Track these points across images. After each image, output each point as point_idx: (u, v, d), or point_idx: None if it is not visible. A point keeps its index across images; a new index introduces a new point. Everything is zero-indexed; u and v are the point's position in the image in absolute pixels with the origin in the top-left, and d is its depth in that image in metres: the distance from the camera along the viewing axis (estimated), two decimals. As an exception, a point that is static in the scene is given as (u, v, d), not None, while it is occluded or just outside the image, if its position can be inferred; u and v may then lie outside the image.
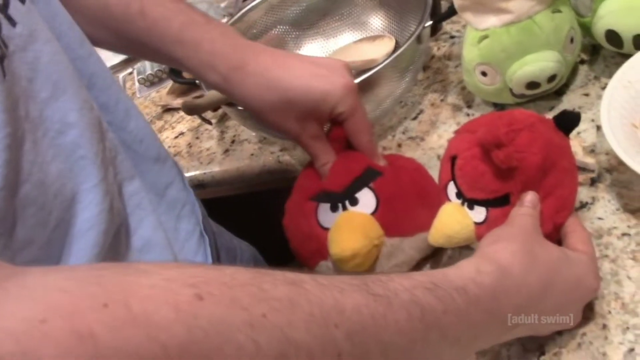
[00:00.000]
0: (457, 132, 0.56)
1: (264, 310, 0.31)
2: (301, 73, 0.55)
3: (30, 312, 0.26)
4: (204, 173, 0.80)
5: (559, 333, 0.47)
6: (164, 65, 0.97)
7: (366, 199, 0.55)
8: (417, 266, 0.57)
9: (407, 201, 0.55)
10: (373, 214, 0.54)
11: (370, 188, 0.55)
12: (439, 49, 0.80)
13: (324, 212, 0.55)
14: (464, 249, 0.56)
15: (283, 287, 0.33)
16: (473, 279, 0.41)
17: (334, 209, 0.55)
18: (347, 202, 0.55)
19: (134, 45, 0.58)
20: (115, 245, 0.45)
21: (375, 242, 0.53)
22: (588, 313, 0.47)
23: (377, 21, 0.83)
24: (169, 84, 0.95)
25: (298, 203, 0.58)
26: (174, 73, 0.78)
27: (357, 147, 0.57)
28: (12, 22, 0.40)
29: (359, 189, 0.55)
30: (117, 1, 0.56)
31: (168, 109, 0.92)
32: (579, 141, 0.61)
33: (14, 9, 0.40)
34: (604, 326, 0.47)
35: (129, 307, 0.27)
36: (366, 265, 0.53)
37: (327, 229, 0.55)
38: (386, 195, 0.55)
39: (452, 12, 0.68)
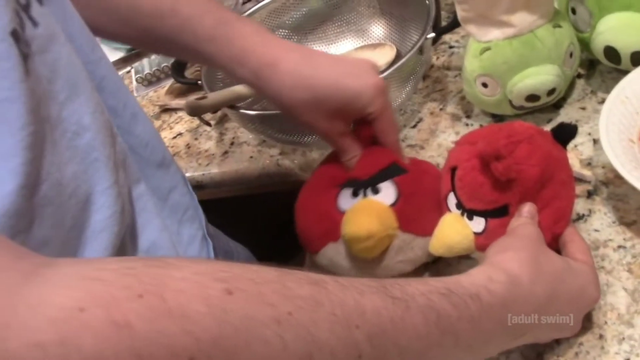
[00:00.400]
0: (457, 143, 0.57)
1: (289, 308, 0.32)
2: (332, 71, 0.56)
3: (69, 300, 0.26)
4: (202, 174, 0.80)
5: (557, 342, 0.49)
6: (163, 65, 0.97)
7: (388, 191, 0.56)
8: (416, 272, 0.58)
9: (426, 202, 0.56)
10: (392, 206, 0.55)
11: (394, 181, 0.56)
12: (438, 58, 0.81)
13: (344, 196, 0.57)
14: (463, 258, 0.57)
15: (307, 286, 0.34)
16: (486, 286, 0.42)
17: (355, 194, 0.57)
18: (369, 190, 0.56)
19: (163, 43, 0.58)
20: (123, 246, 0.46)
21: (389, 232, 0.54)
22: (585, 323, 0.49)
23: (378, 29, 0.84)
24: (167, 83, 0.95)
25: (317, 186, 0.59)
26: (177, 73, 0.79)
27: (384, 145, 0.59)
28: (34, 23, 0.40)
29: (383, 179, 0.57)
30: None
31: (166, 109, 0.92)
32: (576, 154, 0.62)
33: (35, 10, 0.41)
34: (601, 336, 0.48)
35: (164, 299, 0.28)
36: (376, 251, 0.54)
37: (344, 213, 0.56)
38: (407, 191, 0.56)
39: (455, 24, 0.70)
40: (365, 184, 0.56)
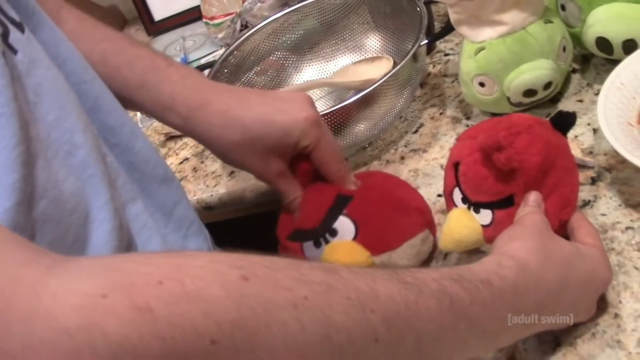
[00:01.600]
0: (458, 139, 0.58)
1: (305, 292, 0.32)
2: (262, 109, 0.56)
3: (92, 288, 0.27)
4: (211, 195, 0.81)
5: (574, 324, 0.49)
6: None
7: (345, 227, 0.55)
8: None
9: (384, 216, 0.56)
10: (354, 239, 0.55)
11: (345, 214, 0.56)
12: (434, 66, 0.83)
13: (309, 250, 0.56)
14: (473, 252, 0.57)
15: (320, 273, 0.34)
16: (496, 272, 0.42)
17: (317, 245, 0.56)
18: (327, 235, 0.55)
19: None
20: None
21: (364, 264, 0.53)
22: (600, 303, 0.49)
23: (374, 43, 0.85)
24: (171, 113, 0.96)
25: (283, 246, 0.59)
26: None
27: (327, 177, 0.58)
28: (13, 50, 0.41)
29: (335, 218, 0.56)
30: (80, 48, 0.56)
31: (171, 137, 0.94)
32: (577, 144, 0.63)
33: (14, 37, 0.42)
34: (616, 315, 0.48)
35: (183, 284, 0.29)
36: None
37: None
38: (362, 217, 0.55)
39: (448, 30, 0.71)
40: (320, 232, 0.55)
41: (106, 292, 0.27)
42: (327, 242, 0.55)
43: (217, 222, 0.82)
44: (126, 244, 0.46)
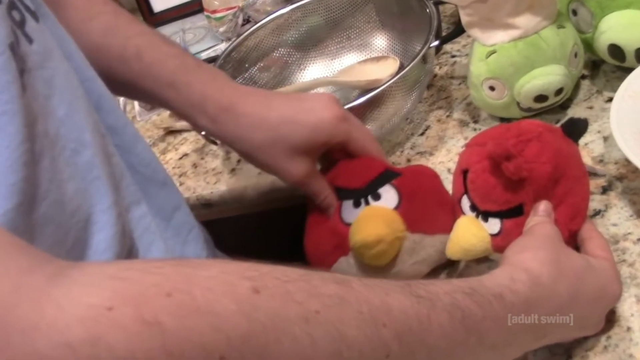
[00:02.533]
0: (466, 145, 0.57)
1: (316, 306, 0.31)
2: (288, 109, 0.56)
3: (97, 299, 0.26)
4: (211, 192, 0.80)
5: (585, 337, 0.48)
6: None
7: (388, 195, 0.55)
8: (434, 273, 0.57)
9: (428, 201, 0.56)
10: (396, 209, 0.55)
11: (392, 185, 0.56)
12: (440, 67, 0.82)
13: (347, 209, 0.56)
14: (481, 260, 0.56)
15: (332, 285, 0.33)
16: (509, 286, 0.41)
17: (357, 205, 0.56)
18: (369, 198, 0.56)
19: (126, 86, 0.59)
20: None
21: (398, 234, 0.54)
22: (611, 316, 0.48)
23: (380, 42, 0.84)
24: (170, 107, 0.95)
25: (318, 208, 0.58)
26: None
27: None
28: (29, 39, 0.40)
29: (381, 184, 0.56)
30: (115, 42, 0.57)
31: (170, 131, 0.92)
32: (587, 152, 0.62)
33: (30, 26, 0.41)
34: (628, 328, 0.48)
35: (193, 296, 0.28)
36: (388, 256, 0.54)
37: (349, 225, 0.55)
38: (408, 192, 0.56)
39: (458, 32, 0.70)
40: (364, 193, 0.56)
41: (112, 303, 0.26)
42: (367, 203, 0.55)
43: (217, 220, 0.81)
44: (128, 248, 0.45)
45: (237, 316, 0.29)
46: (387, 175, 0.56)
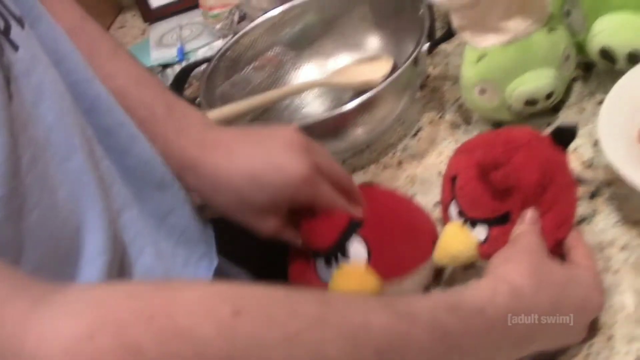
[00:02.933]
0: (456, 151, 0.57)
1: (297, 327, 0.32)
2: (252, 167, 0.53)
3: (78, 329, 0.26)
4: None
5: (568, 346, 0.48)
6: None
7: (357, 250, 0.54)
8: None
9: (396, 239, 0.55)
10: (368, 261, 0.54)
11: (359, 235, 0.54)
12: (434, 68, 0.81)
13: (320, 267, 0.55)
14: (468, 267, 0.56)
15: (313, 305, 0.34)
16: (490, 299, 0.42)
17: (328, 264, 0.55)
18: (339, 255, 0.54)
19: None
20: (118, 274, 0.45)
21: (375, 291, 0.53)
22: (594, 324, 0.48)
23: (374, 42, 0.84)
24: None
25: (297, 257, 0.58)
26: (176, 92, 0.79)
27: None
28: (14, 47, 0.40)
29: (347, 239, 0.54)
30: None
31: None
32: (577, 156, 0.62)
33: (15, 33, 0.41)
34: (611, 337, 0.48)
35: (174, 320, 0.28)
36: None
37: (327, 283, 0.54)
38: (375, 239, 0.54)
39: (449, 34, 0.70)
40: (332, 252, 0.54)
41: (93, 331, 0.26)
42: (337, 262, 0.54)
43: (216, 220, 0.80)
44: (120, 254, 0.45)
45: (218, 340, 0.29)
46: (352, 228, 0.54)
